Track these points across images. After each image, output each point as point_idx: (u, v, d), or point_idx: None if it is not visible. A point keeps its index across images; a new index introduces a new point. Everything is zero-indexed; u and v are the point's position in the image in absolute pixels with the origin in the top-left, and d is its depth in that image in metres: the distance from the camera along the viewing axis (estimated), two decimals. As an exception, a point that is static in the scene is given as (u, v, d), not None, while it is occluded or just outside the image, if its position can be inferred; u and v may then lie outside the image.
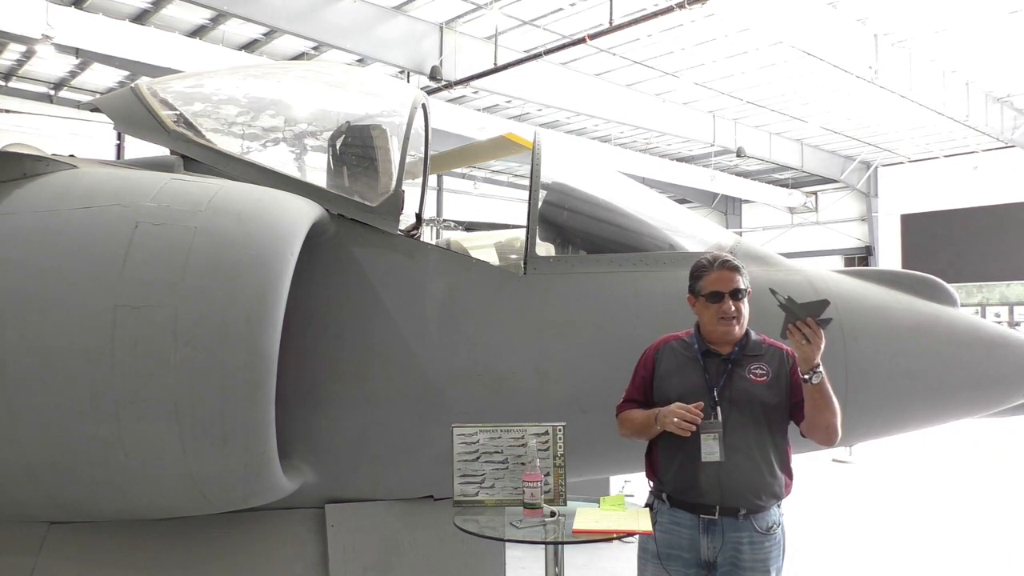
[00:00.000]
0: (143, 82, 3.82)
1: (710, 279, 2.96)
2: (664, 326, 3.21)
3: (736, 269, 2.96)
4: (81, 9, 13.21)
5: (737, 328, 2.94)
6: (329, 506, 3.30)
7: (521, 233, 4.25)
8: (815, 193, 28.26)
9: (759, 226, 29.64)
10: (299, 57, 16.25)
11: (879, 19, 14.37)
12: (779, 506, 2.96)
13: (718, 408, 2.85)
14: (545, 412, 3.21)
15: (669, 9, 11.92)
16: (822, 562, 6.45)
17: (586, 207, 4.03)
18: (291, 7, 12.89)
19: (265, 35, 15.29)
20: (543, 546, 2.80)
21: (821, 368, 2.73)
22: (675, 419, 2.76)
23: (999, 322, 19.98)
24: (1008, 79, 17.72)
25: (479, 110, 19.15)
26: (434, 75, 14.62)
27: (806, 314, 2.69)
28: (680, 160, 24.64)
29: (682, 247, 3.82)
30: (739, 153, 21.54)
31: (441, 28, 14.77)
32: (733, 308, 2.91)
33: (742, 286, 2.94)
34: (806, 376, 2.74)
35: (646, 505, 3.05)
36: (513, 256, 4.76)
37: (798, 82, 17.47)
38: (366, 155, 3.84)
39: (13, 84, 17.85)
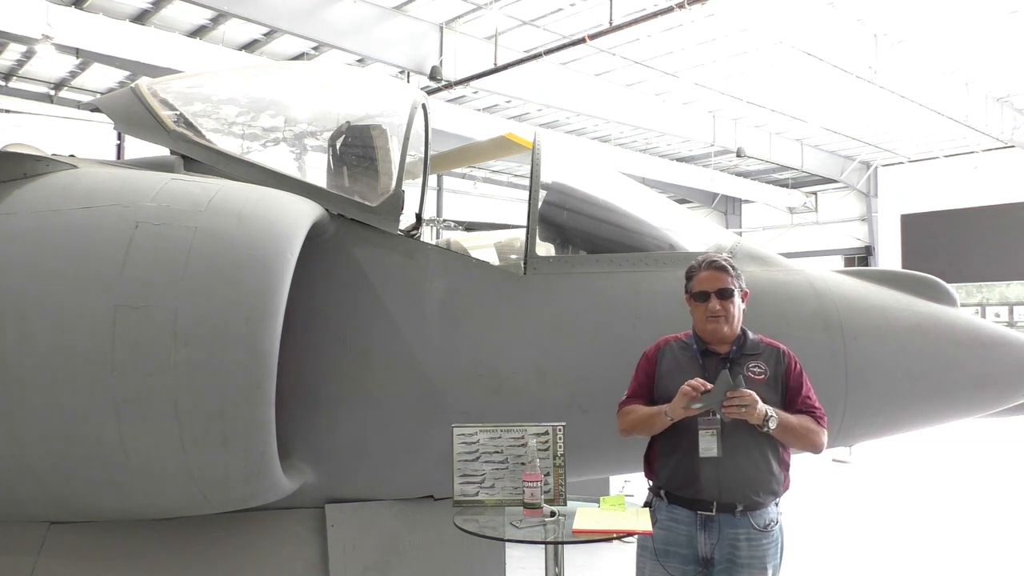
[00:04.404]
0: (143, 82, 3.82)
1: (698, 279, 3.00)
2: (664, 326, 3.22)
3: (723, 269, 2.98)
4: (81, 9, 13.19)
5: (726, 328, 2.96)
6: (329, 506, 3.30)
7: (521, 233, 4.25)
8: (815, 193, 28.24)
9: (759, 226, 29.61)
10: (299, 57, 16.24)
11: (878, 19, 14.36)
12: (777, 504, 2.98)
13: (718, 406, 2.86)
14: (545, 412, 3.22)
15: (669, 9, 11.91)
16: (821, 562, 6.45)
17: (586, 207, 4.04)
18: (291, 7, 12.88)
19: (265, 35, 15.26)
20: (543, 546, 2.80)
21: (771, 412, 2.78)
22: (687, 388, 2.78)
23: (999, 322, 19.98)
24: (1008, 79, 17.68)
25: (479, 110, 19.14)
26: (434, 75, 14.61)
27: (723, 394, 2.74)
28: (680, 160, 24.61)
29: (682, 247, 3.82)
30: (739, 153, 21.51)
31: (441, 28, 14.75)
32: (719, 307, 2.93)
33: (730, 285, 2.96)
34: (763, 428, 2.78)
35: (645, 504, 3.06)
36: (513, 256, 4.76)
37: (798, 82, 17.45)
38: (366, 155, 3.84)
39: (13, 84, 17.82)
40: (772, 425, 2.78)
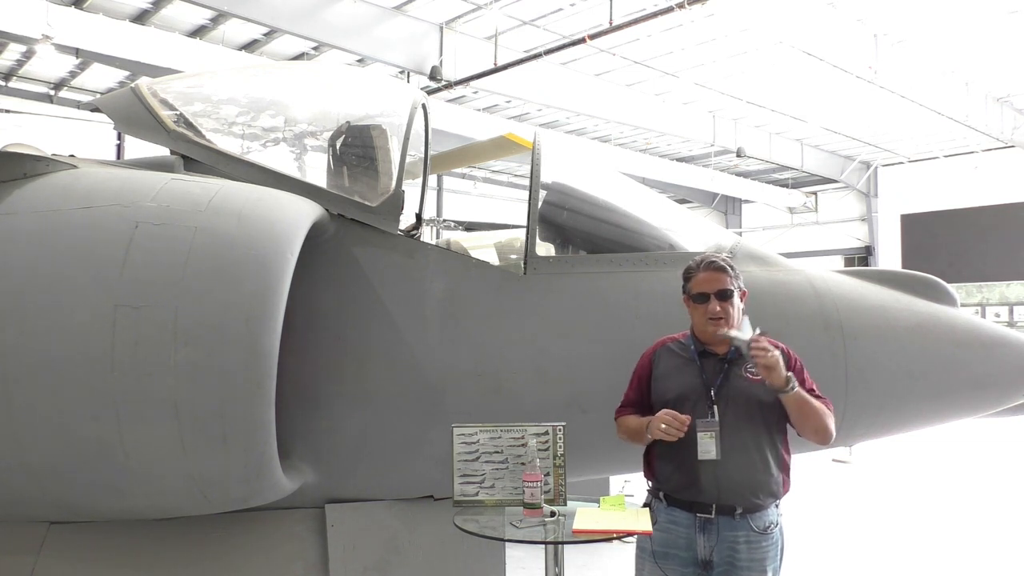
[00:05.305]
0: (143, 82, 3.82)
1: (697, 280, 2.98)
2: (664, 326, 3.22)
3: (723, 269, 2.96)
4: (81, 9, 13.19)
5: (725, 328, 2.94)
6: (329, 506, 3.30)
7: (521, 233, 4.25)
8: (815, 193, 28.23)
9: (759, 226, 29.60)
10: (299, 57, 16.24)
11: (878, 19, 14.36)
12: (777, 506, 2.96)
13: (715, 407, 2.86)
14: (545, 412, 3.22)
15: (669, 9, 11.91)
16: (821, 562, 6.45)
17: (586, 207, 4.03)
18: (291, 7, 12.88)
19: (265, 35, 15.26)
20: (543, 546, 2.80)
21: (793, 377, 2.78)
22: (662, 426, 2.78)
23: (999, 322, 19.96)
24: (1008, 79, 17.68)
25: (479, 110, 19.13)
26: (434, 75, 14.61)
27: (750, 336, 2.78)
28: (680, 160, 24.60)
29: (682, 247, 3.82)
30: (739, 153, 21.50)
31: (441, 28, 14.75)
32: (719, 309, 2.91)
33: (729, 287, 2.94)
34: (786, 390, 2.77)
35: (644, 504, 3.06)
36: (513, 256, 4.76)
37: (798, 82, 17.45)
38: (366, 155, 3.84)
39: (13, 84, 17.81)
40: (795, 386, 2.76)
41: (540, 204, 3.65)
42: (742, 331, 2.82)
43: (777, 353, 2.75)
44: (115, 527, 3.18)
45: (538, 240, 3.58)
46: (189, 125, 3.62)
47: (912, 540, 7.27)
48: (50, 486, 2.84)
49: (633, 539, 2.96)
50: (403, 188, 3.53)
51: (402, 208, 3.53)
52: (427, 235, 5.98)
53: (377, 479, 3.36)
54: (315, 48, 15.73)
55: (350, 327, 3.30)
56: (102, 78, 17.66)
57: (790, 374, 2.77)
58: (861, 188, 26.41)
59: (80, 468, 2.75)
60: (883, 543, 7.14)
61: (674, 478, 2.95)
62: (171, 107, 3.68)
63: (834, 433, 2.91)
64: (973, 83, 17.78)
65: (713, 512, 2.87)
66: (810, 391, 2.93)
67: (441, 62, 14.63)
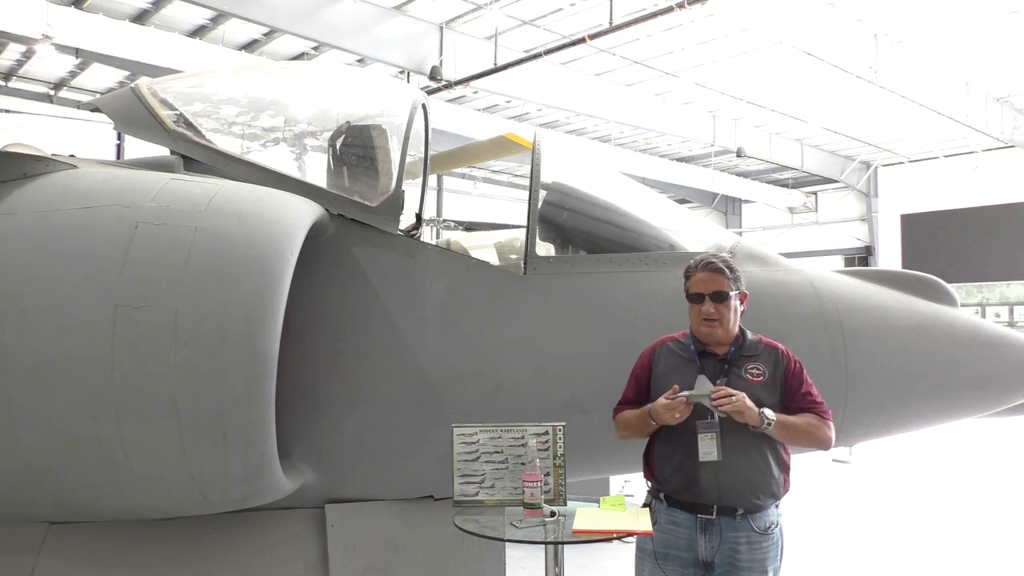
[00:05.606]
0: (143, 82, 3.82)
1: (694, 280, 2.99)
2: (664, 326, 3.22)
3: (719, 271, 2.95)
4: (81, 9, 13.19)
5: (720, 331, 2.94)
6: (329, 506, 3.30)
7: (521, 233, 4.25)
8: (815, 193, 28.24)
9: (759, 226, 29.61)
10: (299, 57, 16.24)
11: (878, 19, 14.36)
12: (777, 506, 2.96)
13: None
14: (545, 412, 3.22)
15: (669, 9, 11.91)
16: (822, 562, 6.45)
17: (586, 207, 4.03)
18: (291, 7, 12.88)
19: (265, 35, 15.27)
20: (543, 546, 2.80)
21: (767, 412, 2.78)
22: (676, 414, 2.79)
23: (999, 322, 19.96)
24: (1008, 79, 17.68)
25: (479, 110, 19.14)
26: (434, 75, 14.62)
27: (707, 392, 2.79)
28: (680, 160, 24.61)
29: (682, 247, 3.82)
30: (739, 153, 21.51)
31: (441, 28, 14.76)
32: (713, 310, 2.91)
33: (725, 288, 2.93)
34: (763, 427, 2.78)
35: (644, 505, 3.06)
36: (513, 256, 4.75)
37: (798, 82, 17.44)
38: (366, 155, 3.84)
39: (13, 84, 17.82)
40: (771, 416, 2.77)
41: (540, 204, 3.65)
42: (699, 389, 2.81)
43: (742, 395, 2.76)
44: (115, 527, 3.18)
45: (538, 240, 3.58)
46: (189, 125, 3.61)
47: (912, 540, 7.27)
48: (50, 486, 2.84)
49: (633, 539, 2.96)
50: (403, 188, 3.53)
51: (402, 208, 3.53)
52: (427, 235, 5.98)
53: (377, 479, 3.36)
54: (315, 48, 15.73)
55: (350, 327, 3.30)
56: (102, 78, 17.66)
57: (763, 411, 2.77)
58: (861, 188, 26.41)
59: (80, 468, 2.75)
60: (883, 543, 7.14)
61: (674, 479, 2.95)
62: (171, 107, 3.68)
63: (833, 439, 2.94)
64: (973, 83, 17.77)
65: (714, 513, 2.87)
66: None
67: (441, 62, 14.63)
